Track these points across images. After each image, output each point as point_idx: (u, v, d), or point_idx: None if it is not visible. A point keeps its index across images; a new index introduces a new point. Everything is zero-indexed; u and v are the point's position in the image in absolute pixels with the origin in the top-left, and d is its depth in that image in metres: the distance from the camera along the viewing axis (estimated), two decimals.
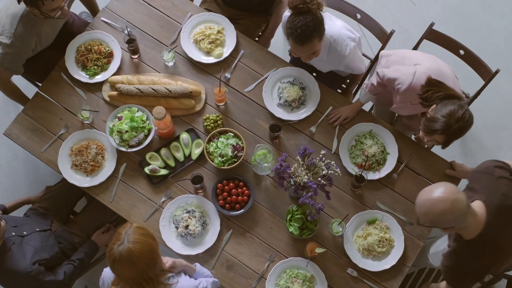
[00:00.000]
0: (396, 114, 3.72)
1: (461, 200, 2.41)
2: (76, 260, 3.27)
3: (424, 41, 3.67)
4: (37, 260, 3.00)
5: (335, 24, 3.19)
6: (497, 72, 3.42)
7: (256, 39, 3.92)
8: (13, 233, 3.03)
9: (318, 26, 2.92)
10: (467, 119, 2.70)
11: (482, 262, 2.63)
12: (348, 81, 3.83)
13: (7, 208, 3.40)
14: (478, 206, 2.58)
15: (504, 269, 2.89)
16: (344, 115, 3.34)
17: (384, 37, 3.61)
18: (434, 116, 2.74)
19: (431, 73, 2.98)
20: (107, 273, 2.73)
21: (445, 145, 2.81)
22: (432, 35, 3.60)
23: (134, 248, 2.36)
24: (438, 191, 2.42)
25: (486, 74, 3.49)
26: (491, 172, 2.70)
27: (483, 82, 3.55)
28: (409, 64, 3.10)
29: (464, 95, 3.68)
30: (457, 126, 2.69)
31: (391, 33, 3.56)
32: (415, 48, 3.75)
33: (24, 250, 2.99)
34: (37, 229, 3.17)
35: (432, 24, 3.56)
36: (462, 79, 3.81)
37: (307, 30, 2.88)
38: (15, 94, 3.66)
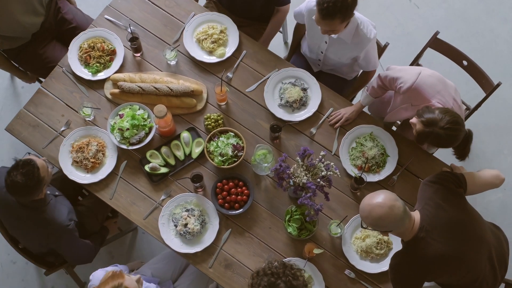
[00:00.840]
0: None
1: (398, 207, 2.57)
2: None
3: (428, 49, 3.65)
4: (71, 219, 3.11)
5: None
6: (498, 85, 3.42)
7: None
8: (48, 191, 3.11)
9: (345, 9, 2.94)
10: (450, 135, 2.75)
11: (417, 265, 2.72)
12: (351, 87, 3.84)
13: None
14: (416, 214, 2.72)
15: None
16: (345, 117, 3.35)
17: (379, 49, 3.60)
18: (435, 108, 2.81)
19: (435, 78, 3.01)
20: (96, 278, 2.84)
21: (417, 138, 2.85)
22: (436, 43, 3.58)
23: None
24: (378, 197, 2.59)
25: (488, 86, 3.48)
26: (431, 184, 2.82)
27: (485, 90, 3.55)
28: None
29: (465, 106, 3.72)
30: (438, 130, 2.74)
31: (385, 46, 3.56)
32: (419, 55, 3.73)
33: (60, 207, 3.10)
34: (61, 194, 3.25)
35: (436, 33, 3.54)
36: (465, 85, 3.82)
37: (332, 8, 2.92)
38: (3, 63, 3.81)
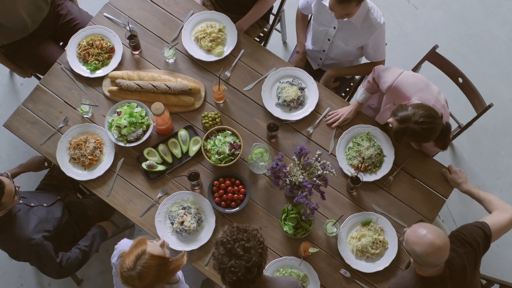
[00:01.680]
0: None
1: (445, 256, 2.56)
2: (83, 247, 3.28)
3: (426, 62, 3.66)
4: (40, 230, 3.04)
5: None
6: (490, 106, 3.40)
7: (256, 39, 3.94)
8: (21, 201, 3.08)
9: None
10: (425, 129, 2.79)
11: None
12: (352, 84, 3.85)
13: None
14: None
15: None
16: (343, 117, 3.36)
17: None
18: (408, 105, 2.87)
19: (418, 79, 3.07)
20: (123, 245, 2.86)
21: (394, 135, 2.89)
22: (434, 57, 3.58)
23: (143, 274, 2.46)
24: (440, 238, 2.53)
25: (480, 106, 3.47)
26: (465, 243, 2.76)
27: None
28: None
29: (457, 124, 3.72)
30: (413, 126, 2.79)
31: None
32: (416, 67, 3.73)
33: (29, 218, 3.04)
34: (44, 204, 3.20)
35: (435, 47, 3.52)
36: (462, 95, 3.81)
37: None
38: None
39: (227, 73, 3.47)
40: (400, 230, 3.19)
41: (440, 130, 2.88)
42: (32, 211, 3.10)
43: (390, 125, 2.94)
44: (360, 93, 3.38)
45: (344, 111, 3.38)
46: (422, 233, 2.55)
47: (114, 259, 2.90)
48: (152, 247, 2.50)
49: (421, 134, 2.81)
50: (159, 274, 2.50)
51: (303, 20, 3.68)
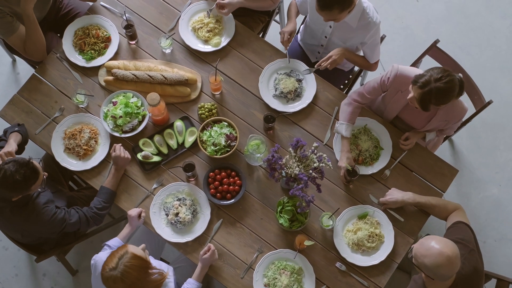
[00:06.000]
0: None
1: (456, 266, 2.53)
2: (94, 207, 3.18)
3: (426, 56, 3.62)
4: (48, 203, 3.03)
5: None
6: (489, 103, 3.39)
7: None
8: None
9: (342, 1, 2.96)
10: (448, 81, 2.79)
11: None
12: (350, 76, 3.82)
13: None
14: None
15: None
16: (332, 58, 3.28)
17: None
18: (421, 74, 2.87)
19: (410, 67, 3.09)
20: (100, 258, 2.85)
21: (422, 104, 2.84)
22: (435, 52, 3.55)
23: (125, 274, 2.53)
24: (449, 247, 2.51)
25: (479, 103, 3.45)
26: (466, 243, 2.76)
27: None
28: None
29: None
30: (437, 85, 2.77)
31: (382, 38, 3.54)
32: (417, 61, 3.70)
33: (39, 200, 3.01)
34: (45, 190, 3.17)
35: (436, 42, 3.48)
36: None
37: (328, 0, 2.94)
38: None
39: (224, 63, 3.44)
40: (396, 224, 3.16)
41: (459, 84, 2.87)
42: (42, 194, 3.05)
43: (411, 101, 2.91)
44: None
45: (333, 52, 3.31)
46: (430, 244, 2.52)
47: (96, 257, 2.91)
48: (134, 249, 2.60)
49: (446, 90, 2.79)
50: (140, 276, 2.57)
51: (295, 8, 3.55)
